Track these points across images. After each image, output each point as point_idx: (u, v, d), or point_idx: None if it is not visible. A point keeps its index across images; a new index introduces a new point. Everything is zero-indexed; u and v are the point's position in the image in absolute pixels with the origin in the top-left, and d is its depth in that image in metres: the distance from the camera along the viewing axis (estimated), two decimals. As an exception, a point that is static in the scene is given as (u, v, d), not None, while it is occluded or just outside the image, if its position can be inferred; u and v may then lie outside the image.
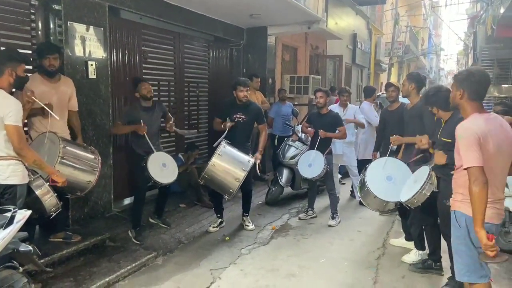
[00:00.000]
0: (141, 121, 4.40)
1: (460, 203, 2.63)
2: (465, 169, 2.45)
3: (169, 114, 4.99)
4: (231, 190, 4.50)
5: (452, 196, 2.76)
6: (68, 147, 3.55)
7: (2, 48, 3.66)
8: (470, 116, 2.53)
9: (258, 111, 5.02)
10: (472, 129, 2.44)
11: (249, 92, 4.87)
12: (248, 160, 4.56)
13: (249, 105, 4.91)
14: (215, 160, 4.40)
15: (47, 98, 3.61)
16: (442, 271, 3.79)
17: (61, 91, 3.89)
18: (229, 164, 4.48)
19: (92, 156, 3.75)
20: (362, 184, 4.13)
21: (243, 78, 4.92)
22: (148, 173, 4.27)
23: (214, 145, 4.67)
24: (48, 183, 3.19)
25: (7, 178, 2.92)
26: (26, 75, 3.25)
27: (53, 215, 3.31)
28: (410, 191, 3.55)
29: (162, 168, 4.43)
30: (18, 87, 3.24)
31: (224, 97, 6.55)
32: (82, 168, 3.64)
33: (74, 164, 3.56)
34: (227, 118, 4.81)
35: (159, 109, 4.74)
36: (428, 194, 3.44)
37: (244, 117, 4.83)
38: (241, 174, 4.45)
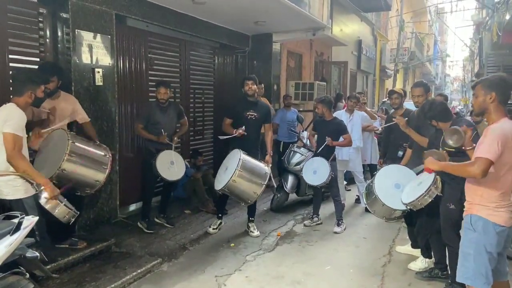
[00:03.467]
0: (162, 130, 4.69)
1: (478, 207, 2.66)
2: (476, 157, 2.51)
3: (185, 118, 5.19)
4: (249, 201, 4.66)
5: (467, 199, 2.78)
6: (77, 143, 3.50)
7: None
8: (501, 120, 2.59)
9: (267, 108, 5.13)
10: (504, 129, 2.52)
11: (254, 86, 4.89)
12: (265, 172, 4.63)
13: (258, 102, 5.03)
14: (235, 177, 4.38)
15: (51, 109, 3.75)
16: (449, 280, 3.76)
17: (61, 107, 3.91)
18: (249, 178, 4.50)
19: (102, 153, 3.70)
20: (369, 191, 4.11)
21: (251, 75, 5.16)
22: (156, 170, 4.55)
23: (222, 138, 4.83)
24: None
25: (8, 193, 2.95)
26: (43, 95, 3.31)
27: (72, 221, 3.31)
28: (414, 194, 3.53)
29: (170, 166, 4.69)
30: (34, 105, 3.28)
31: (229, 103, 6.60)
32: (91, 165, 3.59)
33: (82, 161, 3.51)
34: (238, 117, 4.87)
35: (174, 110, 4.95)
36: (432, 198, 3.42)
37: (255, 114, 4.89)
38: (260, 189, 4.56)
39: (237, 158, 4.46)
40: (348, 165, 6.19)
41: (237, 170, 4.37)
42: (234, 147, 4.71)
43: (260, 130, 5.06)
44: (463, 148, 2.97)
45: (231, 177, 4.36)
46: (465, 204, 2.80)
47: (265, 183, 4.58)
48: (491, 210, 2.60)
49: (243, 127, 4.74)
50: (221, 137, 4.90)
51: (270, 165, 4.84)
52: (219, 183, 4.57)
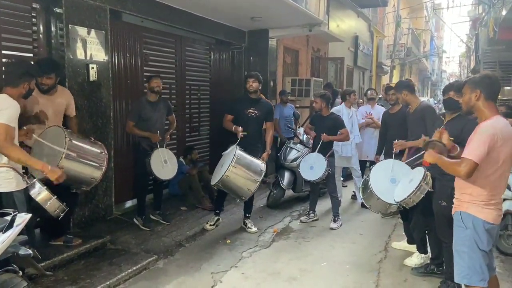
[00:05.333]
0: (158, 131, 4.66)
1: (468, 204, 2.66)
2: (462, 157, 2.51)
3: (173, 115, 5.16)
4: (243, 198, 4.67)
5: (456, 196, 2.77)
6: (74, 141, 3.47)
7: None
8: (494, 117, 2.57)
9: (269, 107, 5.12)
10: (495, 128, 2.50)
11: (256, 83, 4.89)
12: (260, 169, 4.62)
13: (261, 100, 5.02)
14: (229, 172, 4.38)
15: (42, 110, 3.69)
16: (444, 276, 3.77)
17: (57, 103, 3.87)
18: (242, 174, 4.50)
19: (98, 151, 3.68)
20: (365, 185, 4.11)
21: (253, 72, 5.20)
22: (151, 169, 4.54)
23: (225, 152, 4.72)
24: (45, 186, 3.15)
25: (0, 185, 2.91)
26: (34, 86, 3.30)
27: (61, 216, 3.24)
28: (405, 191, 3.53)
29: (164, 164, 4.67)
30: (25, 98, 3.25)
31: (226, 99, 6.59)
32: (88, 162, 3.57)
33: (79, 158, 3.47)
34: (239, 114, 4.86)
35: (164, 106, 4.92)
36: (423, 194, 3.43)
37: (256, 112, 4.88)
38: (254, 186, 4.54)
39: (232, 154, 4.46)
40: (351, 161, 6.19)
41: (231, 166, 4.37)
42: (234, 143, 4.69)
43: (261, 128, 5.06)
44: (450, 152, 2.94)
45: (225, 173, 4.37)
46: (454, 200, 2.80)
47: (260, 180, 4.57)
48: (480, 207, 2.60)
49: (241, 128, 4.70)
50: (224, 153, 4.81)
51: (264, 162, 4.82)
52: (214, 179, 4.60)
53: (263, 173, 4.64)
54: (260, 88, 5.01)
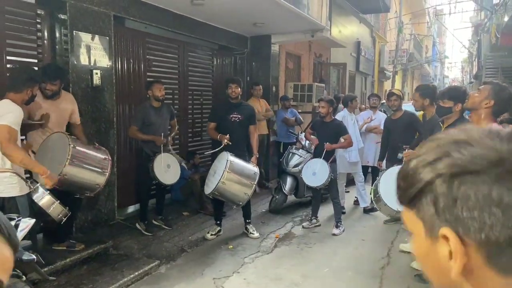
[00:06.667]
0: (162, 134, 4.67)
1: None
2: None
3: (175, 119, 5.16)
4: (240, 203, 4.66)
5: None
6: (78, 147, 3.48)
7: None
8: (490, 126, 2.53)
9: (251, 110, 5.07)
10: None
11: (238, 89, 4.86)
12: (254, 172, 4.62)
13: (242, 104, 5.00)
14: (224, 179, 4.37)
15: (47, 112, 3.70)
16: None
17: (62, 108, 3.88)
18: (238, 179, 4.50)
19: (103, 157, 3.69)
20: (376, 189, 4.13)
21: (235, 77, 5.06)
22: (154, 174, 4.54)
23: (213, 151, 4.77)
24: (48, 191, 3.17)
25: (3, 191, 2.91)
26: (37, 93, 3.33)
27: (64, 220, 3.27)
28: None
29: (167, 169, 4.68)
30: (27, 104, 3.27)
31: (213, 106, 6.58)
32: (92, 168, 3.58)
33: (83, 165, 3.50)
34: (222, 121, 4.84)
35: (167, 111, 4.94)
36: None
37: (239, 116, 4.85)
38: (250, 189, 4.56)
39: (225, 160, 4.45)
40: (357, 167, 6.19)
41: (226, 172, 4.36)
42: (221, 150, 4.69)
43: (247, 132, 5.00)
44: None
45: (220, 179, 4.34)
46: None
47: (255, 183, 4.57)
48: None
49: (228, 135, 4.66)
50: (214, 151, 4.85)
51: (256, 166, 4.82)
52: (209, 188, 4.55)
53: (258, 176, 4.63)
54: (260, 92, 4.99)
